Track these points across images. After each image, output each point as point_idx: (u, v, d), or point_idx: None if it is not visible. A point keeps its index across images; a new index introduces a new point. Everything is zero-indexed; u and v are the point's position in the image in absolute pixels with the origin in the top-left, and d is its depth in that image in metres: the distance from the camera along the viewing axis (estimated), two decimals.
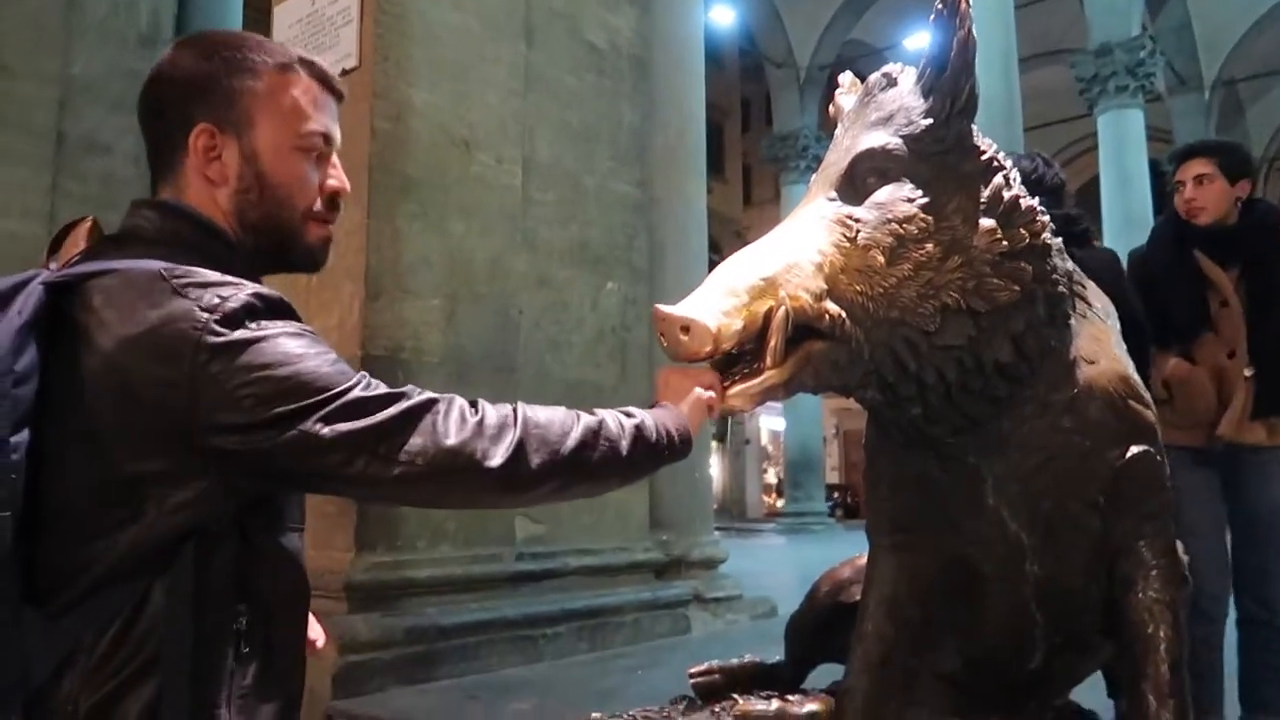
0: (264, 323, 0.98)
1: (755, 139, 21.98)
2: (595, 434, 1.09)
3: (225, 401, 0.93)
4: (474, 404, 1.04)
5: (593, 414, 1.12)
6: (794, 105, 16.96)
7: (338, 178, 1.17)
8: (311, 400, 0.95)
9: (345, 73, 4.04)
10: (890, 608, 1.60)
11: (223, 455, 0.95)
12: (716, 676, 2.36)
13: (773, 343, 1.26)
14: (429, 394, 1.02)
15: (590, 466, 1.08)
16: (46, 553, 0.95)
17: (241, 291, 0.98)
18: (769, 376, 1.28)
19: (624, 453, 1.10)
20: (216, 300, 0.96)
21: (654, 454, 1.15)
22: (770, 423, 26.09)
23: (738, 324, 1.25)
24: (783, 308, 1.27)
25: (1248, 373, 2.51)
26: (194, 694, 0.96)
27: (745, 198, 25.59)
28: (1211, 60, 15.20)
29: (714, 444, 23.40)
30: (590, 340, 4.55)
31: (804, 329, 1.30)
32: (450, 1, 4.24)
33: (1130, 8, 12.35)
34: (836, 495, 21.12)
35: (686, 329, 1.23)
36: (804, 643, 2.27)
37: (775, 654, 2.41)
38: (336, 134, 1.19)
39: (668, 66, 5.79)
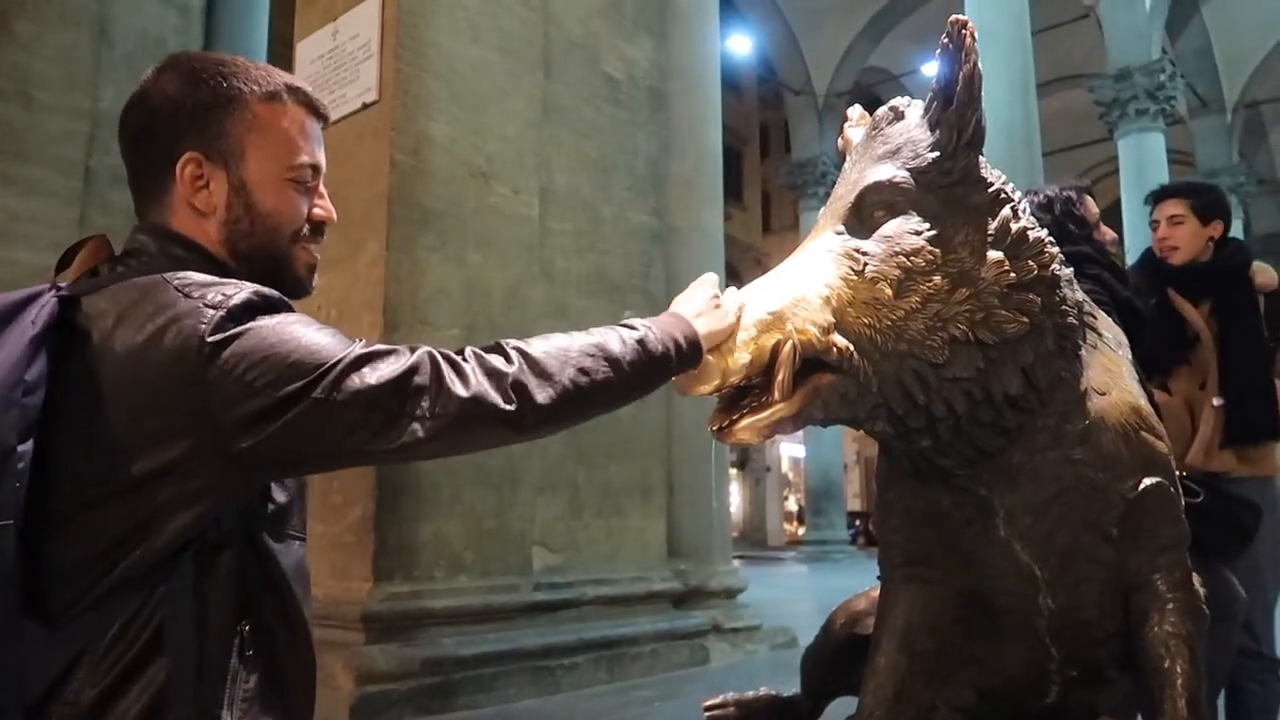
0: (263, 317, 1.00)
1: (774, 166, 22.05)
2: (595, 357, 1.09)
3: (239, 391, 0.94)
4: (461, 352, 1.04)
5: (590, 334, 1.12)
6: (812, 132, 17.01)
7: (324, 207, 1.19)
8: (319, 370, 0.96)
9: (365, 107, 4.10)
10: (903, 640, 1.59)
11: (248, 453, 0.95)
12: (732, 709, 2.34)
13: (780, 376, 1.27)
14: (424, 348, 1.03)
15: (596, 391, 1.08)
16: (51, 563, 0.95)
17: (243, 289, 1.00)
18: (777, 410, 1.28)
19: (628, 370, 1.11)
20: (221, 297, 0.98)
21: (660, 367, 1.15)
22: (791, 449, 25.95)
23: (745, 358, 1.26)
24: (790, 341, 1.28)
25: (1216, 402, 2.65)
26: (196, 694, 0.97)
27: (764, 224, 25.62)
28: (1233, 82, 15.13)
29: (734, 471, 23.31)
30: None
31: (812, 362, 1.31)
32: (470, 35, 4.30)
33: (1150, 31, 12.33)
34: (858, 523, 20.92)
35: None
36: (820, 675, 2.25)
37: (794, 685, 2.38)
38: (323, 162, 1.19)
39: (684, 97, 5.85)
